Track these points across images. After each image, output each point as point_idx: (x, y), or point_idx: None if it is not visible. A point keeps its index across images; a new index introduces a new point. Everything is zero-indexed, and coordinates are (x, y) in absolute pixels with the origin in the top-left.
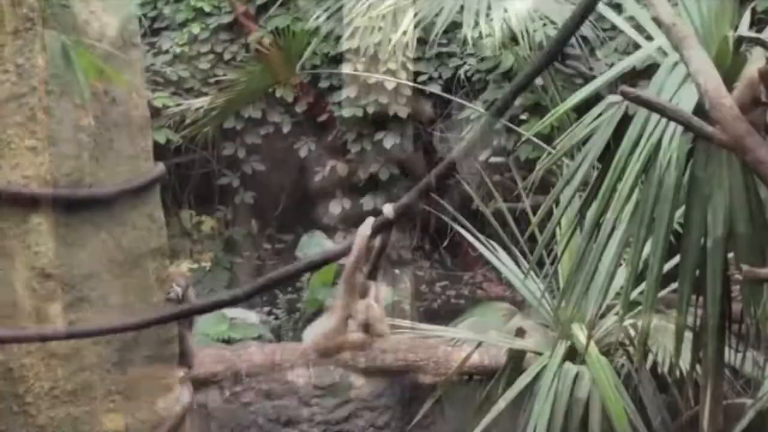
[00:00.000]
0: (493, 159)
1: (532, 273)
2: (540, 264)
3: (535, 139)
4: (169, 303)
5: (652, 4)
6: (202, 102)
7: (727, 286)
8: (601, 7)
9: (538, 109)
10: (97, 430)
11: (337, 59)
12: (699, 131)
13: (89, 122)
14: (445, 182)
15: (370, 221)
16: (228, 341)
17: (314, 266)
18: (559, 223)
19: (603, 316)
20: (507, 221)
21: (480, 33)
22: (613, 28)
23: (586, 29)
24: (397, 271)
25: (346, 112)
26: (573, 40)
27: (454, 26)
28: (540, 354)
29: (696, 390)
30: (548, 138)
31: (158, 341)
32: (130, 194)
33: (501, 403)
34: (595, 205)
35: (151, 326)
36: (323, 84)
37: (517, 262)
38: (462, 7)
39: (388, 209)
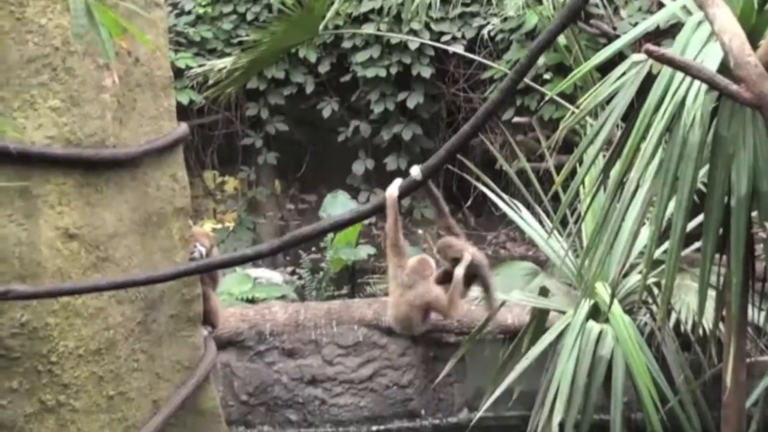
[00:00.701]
0: (516, 119)
1: (555, 232)
2: (563, 223)
3: (558, 99)
4: (192, 263)
5: None
6: (225, 62)
7: (750, 244)
8: None
9: (561, 69)
10: (121, 389)
11: (360, 19)
12: (723, 90)
13: (112, 82)
14: (469, 142)
15: (398, 182)
16: (252, 301)
17: (341, 226)
18: (582, 182)
19: (626, 274)
20: (530, 181)
21: None
22: None
23: None
24: (419, 230)
25: (369, 73)
26: (597, 0)
27: None
28: (563, 313)
29: (719, 348)
30: (572, 97)
31: (182, 300)
32: (154, 154)
33: (524, 362)
34: (618, 165)
35: (174, 279)
36: (346, 44)
37: (540, 222)
38: None
39: (416, 171)
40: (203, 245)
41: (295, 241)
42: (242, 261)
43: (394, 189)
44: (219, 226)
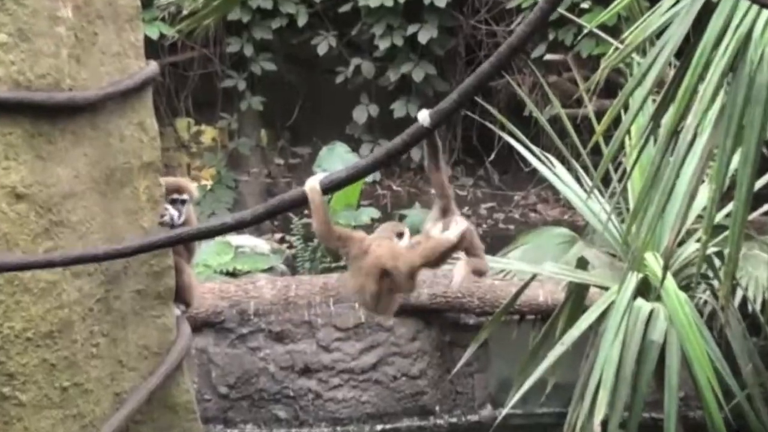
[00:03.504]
0: (549, 56)
1: (596, 191)
2: (606, 181)
3: (599, 32)
4: (162, 228)
5: None
6: None
7: None
8: None
9: None
10: (77, 379)
11: None
12: None
13: (68, 14)
14: (488, 83)
15: (319, 176)
16: (233, 274)
17: (337, 187)
18: (628, 131)
19: (682, 242)
20: (566, 130)
21: None
22: None
23: None
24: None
25: (373, 2)
26: None
27: None
28: (606, 288)
29: None
30: (615, 30)
31: (150, 273)
32: (117, 99)
33: (559, 348)
34: (672, 110)
35: (141, 253)
36: None
37: (578, 179)
38: None
39: (424, 116)
40: (185, 194)
41: (283, 206)
42: (222, 231)
43: (315, 181)
44: (195, 183)
